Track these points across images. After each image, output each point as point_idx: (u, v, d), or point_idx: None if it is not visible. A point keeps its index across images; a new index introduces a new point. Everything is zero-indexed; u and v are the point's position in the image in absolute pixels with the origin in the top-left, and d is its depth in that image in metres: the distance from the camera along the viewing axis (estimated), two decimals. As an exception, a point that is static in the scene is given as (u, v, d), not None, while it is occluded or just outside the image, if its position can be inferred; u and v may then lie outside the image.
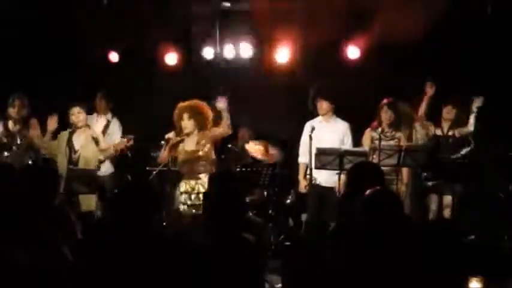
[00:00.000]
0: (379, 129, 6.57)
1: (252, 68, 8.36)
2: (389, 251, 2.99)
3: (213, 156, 6.36)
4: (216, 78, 8.08)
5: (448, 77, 7.34)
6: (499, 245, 5.83)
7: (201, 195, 6.05)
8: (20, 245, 2.03)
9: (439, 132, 6.87)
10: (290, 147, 7.32)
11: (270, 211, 7.37)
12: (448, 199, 6.64)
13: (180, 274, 2.02)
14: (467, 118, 6.70)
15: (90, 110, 7.01)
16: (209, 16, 8.12)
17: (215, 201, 3.40)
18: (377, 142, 6.29)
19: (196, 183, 6.17)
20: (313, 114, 6.87)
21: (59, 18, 7.57)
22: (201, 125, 6.29)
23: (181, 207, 6.17)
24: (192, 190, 6.16)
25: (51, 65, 7.99)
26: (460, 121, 6.78)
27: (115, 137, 7.14)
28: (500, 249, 5.61)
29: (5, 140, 6.69)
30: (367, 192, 3.09)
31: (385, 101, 6.69)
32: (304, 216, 7.45)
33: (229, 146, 7.78)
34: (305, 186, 6.77)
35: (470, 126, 6.68)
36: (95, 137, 6.54)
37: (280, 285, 5.52)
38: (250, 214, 6.45)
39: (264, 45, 8.16)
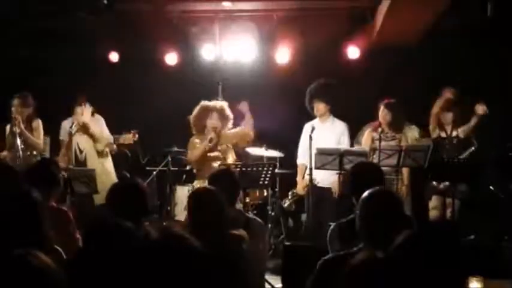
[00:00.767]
0: (380, 130, 6.56)
1: (252, 68, 8.36)
2: (389, 251, 2.98)
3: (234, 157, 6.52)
4: (216, 79, 8.07)
5: (448, 77, 7.36)
6: (499, 245, 5.83)
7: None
8: (20, 245, 2.03)
9: (443, 134, 6.85)
10: (290, 148, 7.31)
11: (270, 211, 7.37)
12: (449, 199, 6.63)
13: (171, 280, 1.99)
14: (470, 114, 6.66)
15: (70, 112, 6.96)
16: (209, 16, 8.12)
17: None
18: (377, 142, 6.29)
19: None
20: (312, 115, 6.88)
21: (58, 17, 7.58)
22: (225, 127, 6.43)
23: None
24: None
25: (51, 65, 8.00)
26: (460, 121, 6.77)
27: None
28: (500, 249, 5.61)
29: (8, 140, 6.70)
30: (367, 192, 3.08)
31: (384, 101, 6.69)
32: (304, 217, 7.46)
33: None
34: (303, 188, 6.77)
35: (471, 122, 6.65)
36: (95, 135, 6.60)
37: (280, 285, 5.52)
38: (251, 214, 6.45)
39: (264, 45, 8.16)
